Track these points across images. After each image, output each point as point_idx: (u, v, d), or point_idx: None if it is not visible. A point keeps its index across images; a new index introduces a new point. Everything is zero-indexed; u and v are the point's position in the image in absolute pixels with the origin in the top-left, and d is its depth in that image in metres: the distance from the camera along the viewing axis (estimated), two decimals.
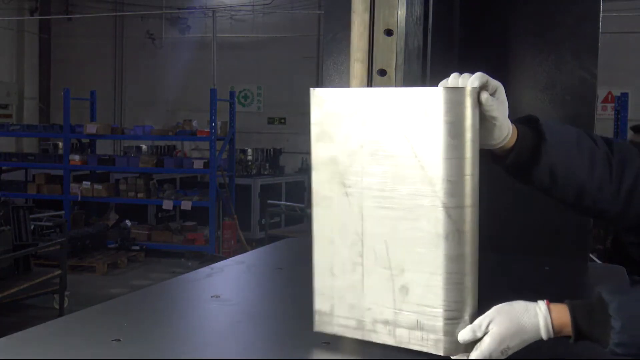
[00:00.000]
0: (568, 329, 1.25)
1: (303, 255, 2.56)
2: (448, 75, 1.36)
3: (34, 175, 11.38)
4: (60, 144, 11.58)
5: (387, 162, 1.30)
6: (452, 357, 1.28)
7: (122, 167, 10.66)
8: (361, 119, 1.32)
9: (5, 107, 15.61)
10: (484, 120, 1.32)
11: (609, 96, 12.46)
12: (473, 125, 1.26)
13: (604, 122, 9.72)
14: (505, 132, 1.37)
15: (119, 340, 1.37)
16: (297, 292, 1.92)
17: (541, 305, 1.26)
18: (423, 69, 2.01)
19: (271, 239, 8.06)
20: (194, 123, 10.76)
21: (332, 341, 1.42)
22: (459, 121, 1.25)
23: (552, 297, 1.31)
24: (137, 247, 9.88)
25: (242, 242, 10.15)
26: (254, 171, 12.15)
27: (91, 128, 10.51)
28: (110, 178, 11.37)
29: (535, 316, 1.24)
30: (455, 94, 1.26)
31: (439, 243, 1.27)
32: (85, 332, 1.45)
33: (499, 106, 1.33)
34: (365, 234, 1.33)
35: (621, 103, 8.55)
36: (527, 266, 2.28)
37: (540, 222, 2.36)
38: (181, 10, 15.89)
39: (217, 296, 1.75)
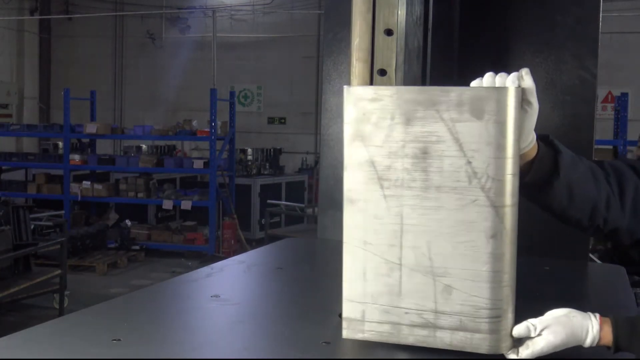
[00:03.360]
0: (608, 343, 1.30)
1: (303, 255, 2.57)
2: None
3: (34, 175, 11.39)
4: (60, 144, 11.59)
5: (432, 161, 1.28)
6: (507, 357, 1.28)
7: (122, 166, 10.67)
8: (403, 118, 1.30)
9: (6, 106, 15.61)
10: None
11: (609, 96, 12.46)
12: (517, 125, 1.28)
13: (603, 122, 9.72)
14: (532, 134, 1.39)
15: (119, 339, 1.37)
16: (297, 292, 1.92)
17: (594, 325, 1.29)
18: (423, 69, 2.01)
19: (271, 239, 8.06)
20: (194, 123, 10.76)
21: (332, 341, 1.42)
22: (506, 121, 1.26)
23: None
24: (137, 247, 9.88)
25: (242, 242, 10.15)
26: (254, 171, 12.15)
27: (91, 128, 10.52)
28: (110, 178, 11.38)
29: (587, 333, 1.29)
30: (505, 94, 1.26)
31: (486, 242, 1.26)
32: (85, 331, 1.45)
33: (535, 97, 1.35)
34: (405, 236, 1.31)
35: (621, 103, 8.54)
36: (527, 266, 2.28)
37: (540, 222, 2.36)
38: (181, 10, 15.90)
39: (217, 296, 1.75)
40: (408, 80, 1.74)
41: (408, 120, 1.29)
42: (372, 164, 1.32)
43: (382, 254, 1.32)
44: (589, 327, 1.28)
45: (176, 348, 1.38)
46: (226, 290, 1.89)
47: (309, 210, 10.14)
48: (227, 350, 1.40)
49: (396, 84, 1.60)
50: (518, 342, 1.28)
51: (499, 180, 1.26)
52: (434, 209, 1.29)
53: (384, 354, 1.35)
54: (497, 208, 1.26)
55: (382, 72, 1.55)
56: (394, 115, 1.30)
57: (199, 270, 2.11)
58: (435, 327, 1.30)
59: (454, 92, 1.27)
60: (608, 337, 1.29)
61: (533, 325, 1.27)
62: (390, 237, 1.32)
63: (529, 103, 1.35)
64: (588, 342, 1.28)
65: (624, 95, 8.61)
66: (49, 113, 16.72)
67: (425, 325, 1.31)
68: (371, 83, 1.55)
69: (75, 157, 10.58)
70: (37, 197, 10.83)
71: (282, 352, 1.40)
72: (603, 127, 9.00)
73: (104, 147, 13.52)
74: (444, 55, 2.37)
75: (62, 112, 10.94)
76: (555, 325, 1.27)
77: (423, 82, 1.98)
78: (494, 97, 1.26)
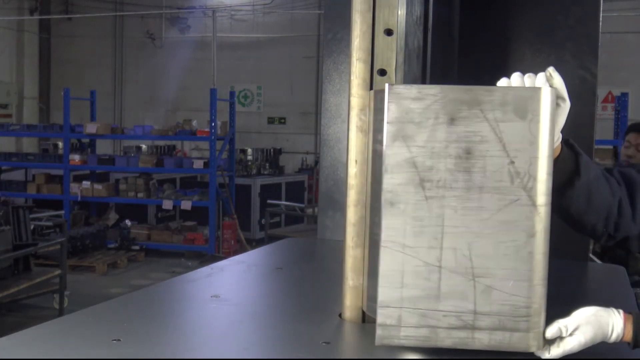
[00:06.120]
0: (629, 339, 1.34)
1: (303, 256, 2.57)
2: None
3: (33, 175, 11.38)
4: (60, 144, 11.58)
5: (476, 162, 1.29)
6: (540, 356, 1.31)
7: (122, 167, 10.67)
8: (447, 117, 1.29)
9: (5, 106, 15.62)
10: None
11: (609, 96, 12.47)
12: (553, 124, 1.30)
13: (604, 122, 9.72)
14: (559, 133, 1.43)
15: (119, 340, 1.37)
16: (297, 292, 1.92)
17: (619, 322, 1.33)
18: (423, 69, 2.01)
19: (271, 239, 8.06)
20: (194, 123, 10.76)
21: (332, 341, 1.42)
22: (547, 120, 1.28)
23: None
24: (137, 247, 9.88)
25: (242, 242, 10.15)
26: (254, 171, 12.15)
27: (91, 128, 10.52)
28: (110, 178, 11.38)
29: (613, 330, 1.32)
30: (545, 94, 1.29)
31: (528, 242, 1.28)
32: (85, 332, 1.45)
33: (566, 93, 1.39)
34: (446, 237, 1.30)
35: (621, 103, 8.55)
36: None
37: None
38: (181, 10, 15.90)
39: (217, 296, 1.75)
40: (408, 80, 1.74)
41: (452, 120, 1.29)
42: (414, 164, 1.31)
43: (421, 256, 1.31)
44: (615, 325, 1.32)
45: (176, 348, 1.38)
46: (226, 290, 1.89)
47: (309, 211, 10.15)
48: (227, 350, 1.40)
49: (396, 84, 1.60)
50: (549, 340, 1.31)
51: (539, 180, 1.28)
52: (476, 210, 1.29)
53: (385, 354, 1.36)
54: (537, 207, 1.28)
55: (382, 72, 1.54)
56: (438, 114, 1.30)
57: (199, 270, 2.11)
58: (473, 328, 1.30)
59: (498, 92, 1.29)
60: (629, 334, 1.33)
61: (565, 326, 1.30)
62: (430, 239, 1.31)
63: (563, 99, 1.39)
64: (613, 339, 1.32)
65: (624, 95, 8.62)
66: (49, 113, 16.72)
67: (463, 327, 1.30)
68: (371, 83, 1.55)
69: (75, 157, 10.58)
70: (37, 197, 10.83)
71: (282, 352, 1.40)
72: (603, 127, 9.00)
73: (103, 147, 13.52)
74: (444, 55, 2.37)
75: (61, 112, 10.95)
76: (585, 325, 1.30)
77: (423, 82, 1.98)
78: (536, 96, 1.28)
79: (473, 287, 1.30)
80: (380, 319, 1.32)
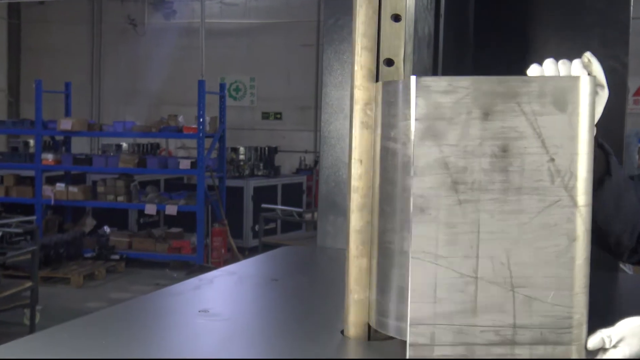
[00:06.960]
0: None
1: (301, 266, 2.57)
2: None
3: (2, 176, 11.40)
4: (32, 142, 11.61)
5: (513, 160, 1.28)
6: None
7: (100, 167, 10.69)
8: (480, 112, 1.29)
9: None
10: None
11: None
12: (592, 117, 1.30)
13: (635, 117, 9.74)
14: (594, 127, 1.43)
15: None
16: (294, 306, 1.92)
17: None
18: (434, 59, 2.01)
19: (265, 248, 8.06)
20: (180, 118, 10.78)
21: None
22: (587, 112, 1.28)
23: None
24: (117, 257, 9.90)
25: (233, 251, 10.16)
26: (247, 172, 12.17)
27: (65, 124, 10.54)
28: (87, 179, 11.41)
29: None
30: (585, 83, 1.29)
31: (569, 246, 1.28)
32: (59, 350, 1.46)
33: (604, 80, 1.40)
34: (482, 245, 1.30)
35: None
36: None
37: None
38: None
39: (205, 310, 1.75)
40: (417, 71, 1.74)
41: (486, 115, 1.29)
42: (446, 165, 1.30)
43: (456, 267, 1.30)
44: None
45: None
46: (216, 304, 1.89)
47: (308, 216, 10.16)
48: None
49: (404, 76, 1.60)
50: (590, 352, 1.31)
51: (580, 178, 1.28)
52: (514, 213, 1.29)
53: None
54: (579, 208, 1.28)
55: (389, 62, 1.55)
56: (471, 109, 1.29)
57: (185, 282, 2.11)
58: (513, 343, 1.30)
59: (535, 82, 1.28)
60: None
61: (609, 336, 1.30)
62: (465, 247, 1.30)
63: (602, 87, 1.39)
64: None
65: None
66: (19, 107, 16.75)
67: (502, 343, 1.31)
68: (377, 74, 1.55)
69: (48, 157, 10.60)
70: (5, 201, 10.85)
71: None
72: (635, 123, 9.02)
73: (79, 146, 13.53)
74: (458, 43, 2.37)
75: (33, 106, 10.97)
76: (630, 337, 1.31)
77: (434, 73, 1.99)
78: (576, 87, 1.28)
79: (512, 299, 1.30)
80: (411, 338, 1.31)
